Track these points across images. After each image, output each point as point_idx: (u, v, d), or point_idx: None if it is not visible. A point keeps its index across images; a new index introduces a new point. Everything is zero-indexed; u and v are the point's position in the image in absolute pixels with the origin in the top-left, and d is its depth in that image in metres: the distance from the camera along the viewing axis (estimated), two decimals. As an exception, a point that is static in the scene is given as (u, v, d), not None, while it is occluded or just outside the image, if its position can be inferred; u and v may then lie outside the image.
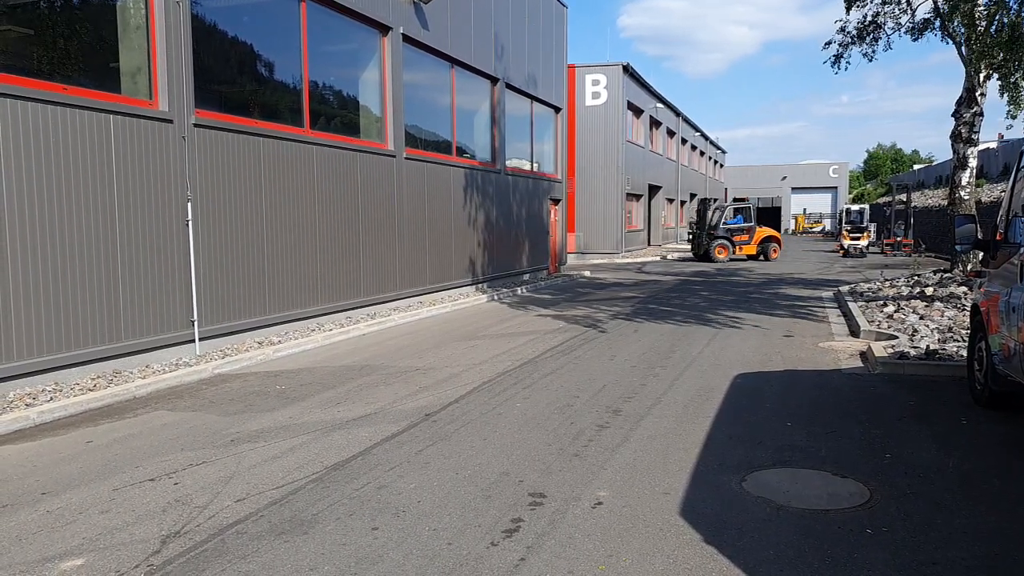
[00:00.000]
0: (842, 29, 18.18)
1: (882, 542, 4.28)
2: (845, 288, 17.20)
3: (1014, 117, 15.06)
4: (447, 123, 17.84)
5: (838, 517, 4.63)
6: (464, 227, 17.95)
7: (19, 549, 4.33)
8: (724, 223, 31.90)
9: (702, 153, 62.72)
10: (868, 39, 18.01)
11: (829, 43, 18.43)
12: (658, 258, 35.14)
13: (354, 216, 13.40)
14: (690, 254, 33.75)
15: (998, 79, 15.12)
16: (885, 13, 17.65)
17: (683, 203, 54.38)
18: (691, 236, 33.29)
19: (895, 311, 12.62)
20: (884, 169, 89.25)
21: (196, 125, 9.84)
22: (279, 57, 12.05)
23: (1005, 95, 15.09)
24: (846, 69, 19.56)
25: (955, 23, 16.08)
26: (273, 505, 4.93)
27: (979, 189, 28.01)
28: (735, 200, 34.27)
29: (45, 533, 4.54)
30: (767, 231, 32.78)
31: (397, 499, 5.00)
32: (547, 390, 8.17)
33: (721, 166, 76.81)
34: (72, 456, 6.06)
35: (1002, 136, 41.04)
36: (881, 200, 52.44)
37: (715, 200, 33.49)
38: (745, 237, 31.91)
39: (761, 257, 31.95)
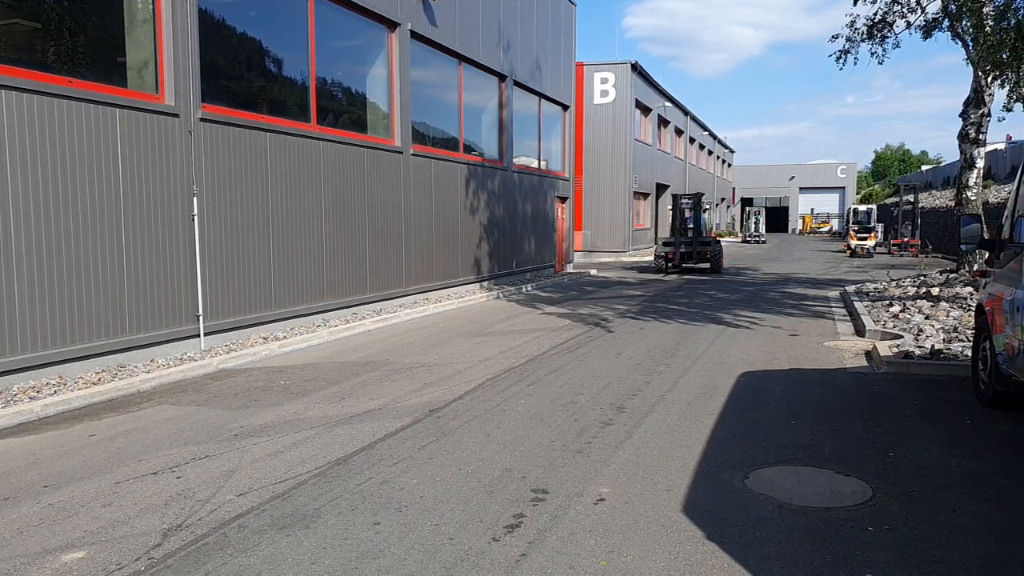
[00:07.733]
0: (851, 24, 18.10)
1: (884, 540, 4.26)
2: (851, 288, 17.13)
3: (1009, 110, 15.07)
4: (454, 120, 17.83)
5: (840, 515, 4.62)
6: (471, 224, 17.95)
7: (20, 541, 4.35)
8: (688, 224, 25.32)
9: (710, 152, 62.60)
10: (877, 37, 17.95)
11: (836, 36, 18.38)
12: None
13: (360, 212, 13.40)
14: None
15: (1012, 78, 15.02)
16: (895, 12, 17.58)
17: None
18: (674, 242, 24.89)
19: (901, 311, 12.57)
20: (892, 170, 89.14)
21: (202, 119, 9.86)
22: (286, 52, 12.06)
23: (1013, 96, 14.99)
24: (855, 64, 19.47)
25: (963, 23, 16.00)
26: (275, 499, 4.94)
27: (986, 190, 27.90)
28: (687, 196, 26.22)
29: (47, 525, 4.56)
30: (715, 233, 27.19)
31: (399, 494, 5.00)
32: (551, 387, 8.16)
33: (729, 165, 76.64)
34: (75, 449, 6.08)
35: (1010, 137, 40.93)
36: (889, 201, 52.29)
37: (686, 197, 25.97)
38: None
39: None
